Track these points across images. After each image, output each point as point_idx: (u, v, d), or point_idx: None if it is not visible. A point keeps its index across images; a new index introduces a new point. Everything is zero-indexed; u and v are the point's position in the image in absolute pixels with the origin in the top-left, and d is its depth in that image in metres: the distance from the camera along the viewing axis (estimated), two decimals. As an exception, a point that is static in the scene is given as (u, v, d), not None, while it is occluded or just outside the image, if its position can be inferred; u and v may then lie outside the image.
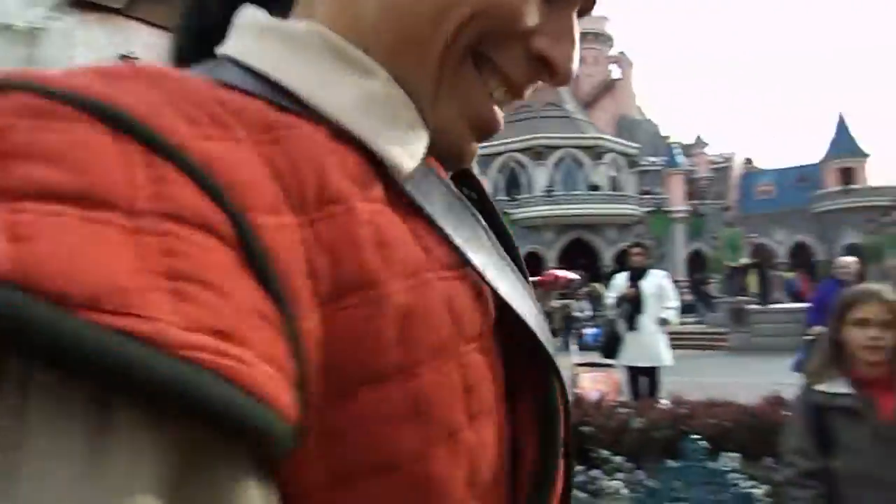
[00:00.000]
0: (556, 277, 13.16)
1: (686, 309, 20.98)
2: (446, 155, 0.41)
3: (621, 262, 6.76)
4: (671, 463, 3.02)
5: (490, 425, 0.36)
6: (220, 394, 0.23)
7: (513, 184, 34.81)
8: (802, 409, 1.91)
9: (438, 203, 0.38)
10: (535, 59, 0.41)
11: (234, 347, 0.24)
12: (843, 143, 38.16)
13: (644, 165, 37.38)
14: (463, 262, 0.37)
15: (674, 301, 6.08)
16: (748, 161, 44.15)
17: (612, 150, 35.85)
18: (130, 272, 0.23)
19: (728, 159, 43.07)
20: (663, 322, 5.91)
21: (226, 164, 0.28)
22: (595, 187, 33.96)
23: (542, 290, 11.84)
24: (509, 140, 34.83)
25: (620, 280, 6.23)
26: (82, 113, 0.25)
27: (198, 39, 0.43)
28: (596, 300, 12.75)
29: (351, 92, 0.36)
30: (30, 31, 5.78)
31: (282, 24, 0.39)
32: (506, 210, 32.26)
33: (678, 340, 12.78)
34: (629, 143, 37.39)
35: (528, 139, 34.29)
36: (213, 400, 0.23)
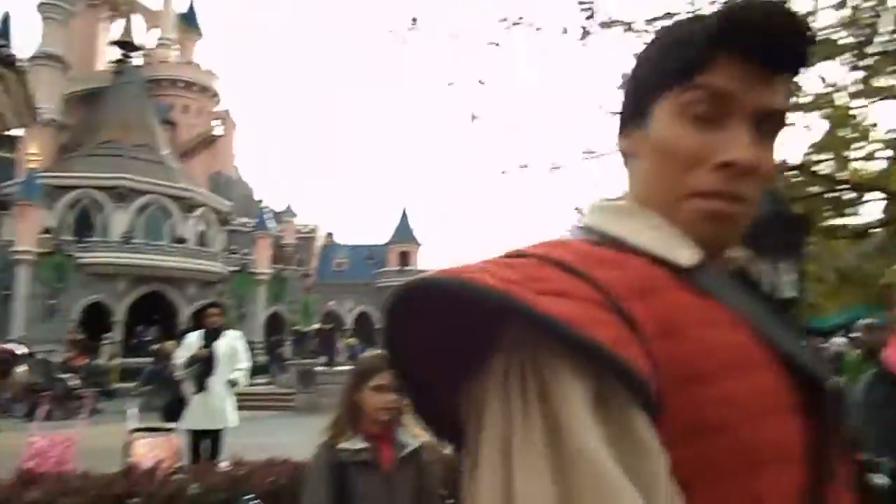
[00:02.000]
0: None
1: (260, 370, 21.17)
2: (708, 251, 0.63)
3: (198, 320, 6.52)
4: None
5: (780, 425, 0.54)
6: (608, 355, 0.46)
7: (84, 224, 30.72)
8: (323, 466, 2.09)
9: (720, 284, 0.60)
10: (720, 167, 0.61)
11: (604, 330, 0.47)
12: (404, 231, 45.23)
13: (234, 225, 37.47)
14: (749, 321, 0.57)
15: (245, 363, 6.16)
16: (329, 235, 48.22)
17: (203, 205, 34.92)
18: (570, 308, 0.48)
19: (313, 230, 46.28)
20: (232, 383, 5.93)
21: (606, 279, 0.52)
22: (181, 240, 32.26)
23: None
24: (89, 174, 31.04)
25: (193, 339, 6.05)
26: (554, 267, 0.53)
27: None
28: (164, 359, 11.90)
29: (648, 234, 0.62)
30: None
31: (612, 204, 0.69)
32: (71, 253, 28.19)
33: (248, 401, 12.78)
34: (222, 201, 37.07)
35: (111, 177, 31.07)
36: (606, 358, 0.46)
